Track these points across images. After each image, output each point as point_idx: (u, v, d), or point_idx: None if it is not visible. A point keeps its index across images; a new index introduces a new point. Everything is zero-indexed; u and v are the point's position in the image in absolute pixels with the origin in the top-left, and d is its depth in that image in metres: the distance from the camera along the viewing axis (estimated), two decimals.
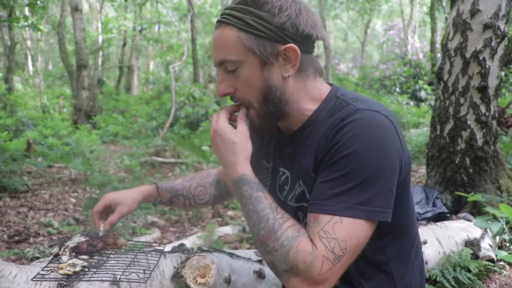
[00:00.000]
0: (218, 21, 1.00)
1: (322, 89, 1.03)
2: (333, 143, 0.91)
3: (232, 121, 1.04)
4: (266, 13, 0.93)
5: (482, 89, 2.82)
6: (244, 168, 0.97)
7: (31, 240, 2.99)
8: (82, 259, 1.13)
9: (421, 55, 13.08)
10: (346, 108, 0.95)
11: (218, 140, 1.00)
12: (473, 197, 2.51)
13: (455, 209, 2.90)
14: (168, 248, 1.31)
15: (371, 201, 0.87)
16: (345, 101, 0.98)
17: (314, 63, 1.02)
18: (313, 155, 0.97)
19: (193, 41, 12.01)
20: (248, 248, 2.70)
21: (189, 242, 2.69)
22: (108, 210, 1.27)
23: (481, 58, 2.80)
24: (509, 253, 2.23)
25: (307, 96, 1.01)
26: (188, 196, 1.36)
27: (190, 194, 1.36)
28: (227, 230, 3.06)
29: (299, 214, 1.02)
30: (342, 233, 0.86)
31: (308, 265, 0.85)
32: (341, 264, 0.87)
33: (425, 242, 1.93)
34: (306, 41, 0.97)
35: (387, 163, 0.88)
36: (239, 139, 0.99)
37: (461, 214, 2.43)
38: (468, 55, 2.84)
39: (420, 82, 11.48)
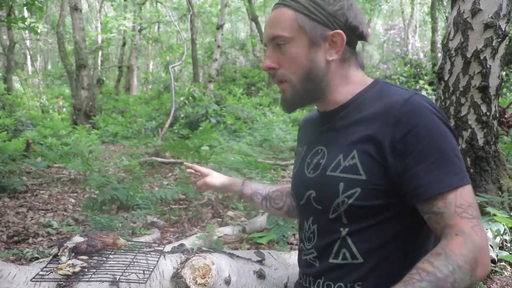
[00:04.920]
0: (276, 4, 1.08)
1: (364, 78, 1.09)
2: (406, 131, 0.93)
3: None
4: (322, 0, 1.02)
5: (483, 89, 2.82)
6: None
7: (30, 240, 2.98)
8: (82, 260, 1.13)
9: (421, 55, 13.10)
10: (397, 95, 0.99)
11: None
12: None
13: None
14: (167, 248, 1.30)
15: (462, 168, 0.95)
16: (393, 87, 1.04)
17: (357, 56, 1.09)
18: (369, 134, 0.98)
19: (193, 41, 12.02)
20: (248, 249, 2.69)
21: (189, 242, 2.67)
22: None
23: (482, 57, 2.80)
24: (510, 253, 2.23)
25: (349, 82, 1.08)
26: (266, 197, 1.40)
27: (268, 196, 1.40)
28: (227, 230, 3.04)
29: (341, 184, 1.00)
30: (470, 197, 0.92)
31: (475, 250, 0.87)
32: (480, 221, 0.92)
33: None
34: (352, 33, 1.05)
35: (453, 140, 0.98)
36: None
37: None
38: (469, 54, 2.83)
39: (421, 82, 11.49)
